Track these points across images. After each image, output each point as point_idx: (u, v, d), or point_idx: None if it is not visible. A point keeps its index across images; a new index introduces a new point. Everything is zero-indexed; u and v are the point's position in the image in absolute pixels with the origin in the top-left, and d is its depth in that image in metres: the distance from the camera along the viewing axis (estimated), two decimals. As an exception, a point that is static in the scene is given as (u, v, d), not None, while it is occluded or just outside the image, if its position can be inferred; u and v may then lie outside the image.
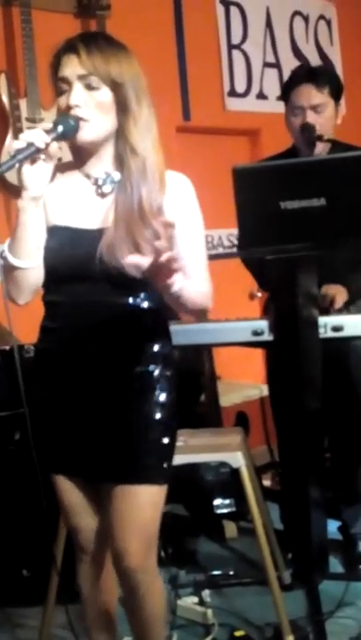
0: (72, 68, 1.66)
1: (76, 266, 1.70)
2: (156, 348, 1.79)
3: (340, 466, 2.93)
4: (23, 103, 3.30)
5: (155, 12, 3.98)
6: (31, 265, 1.69)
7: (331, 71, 2.77)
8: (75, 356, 1.76)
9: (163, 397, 1.79)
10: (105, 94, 1.68)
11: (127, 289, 1.73)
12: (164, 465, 1.80)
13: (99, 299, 1.72)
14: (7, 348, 2.81)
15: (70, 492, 1.85)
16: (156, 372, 1.79)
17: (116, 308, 1.74)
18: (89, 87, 1.67)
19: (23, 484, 2.70)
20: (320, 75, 2.77)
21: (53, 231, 1.73)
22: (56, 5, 3.56)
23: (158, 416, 1.78)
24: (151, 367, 1.78)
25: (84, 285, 1.71)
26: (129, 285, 1.71)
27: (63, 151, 1.75)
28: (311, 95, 2.67)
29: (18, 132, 3.28)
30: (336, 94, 2.74)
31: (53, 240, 1.72)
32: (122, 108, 1.69)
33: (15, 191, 3.45)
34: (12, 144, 3.29)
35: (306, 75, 2.76)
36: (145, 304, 1.76)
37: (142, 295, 1.75)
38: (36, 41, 3.23)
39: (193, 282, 1.73)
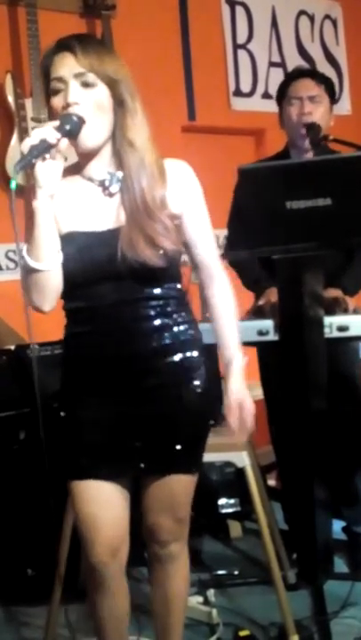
0: (68, 66, 1.66)
1: (99, 268, 1.71)
2: (190, 332, 1.82)
3: (339, 467, 2.92)
4: (29, 103, 3.31)
5: (160, 11, 3.98)
6: (51, 267, 1.68)
7: (326, 75, 2.86)
8: (110, 356, 1.77)
9: (201, 385, 1.83)
10: (102, 91, 1.68)
11: (152, 280, 1.75)
12: (200, 453, 1.87)
13: (125, 295, 1.73)
14: (12, 347, 2.82)
15: (91, 501, 1.80)
16: (194, 358, 1.82)
17: (143, 301, 1.76)
18: (85, 85, 1.67)
19: (28, 484, 2.71)
20: (317, 72, 2.89)
21: (68, 238, 1.72)
22: (61, 5, 3.56)
23: (198, 404, 1.82)
24: (188, 353, 1.81)
25: (109, 286, 1.72)
26: (154, 277, 1.74)
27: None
28: (309, 87, 2.74)
29: (23, 131, 3.29)
30: (331, 93, 2.80)
31: (70, 247, 1.71)
32: (119, 104, 1.70)
33: (19, 190, 3.47)
34: (19, 143, 3.30)
35: (304, 70, 2.89)
36: (169, 292, 1.79)
37: (166, 285, 1.78)
38: (41, 41, 3.23)
39: (220, 290, 1.87)
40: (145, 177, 1.72)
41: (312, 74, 2.82)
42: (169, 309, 1.79)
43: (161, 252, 1.69)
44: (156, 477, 1.84)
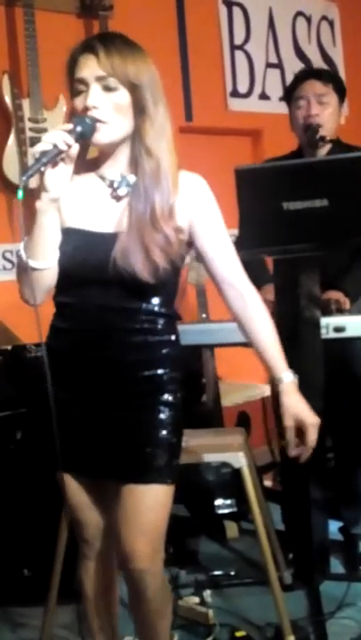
0: (90, 69, 1.65)
1: (90, 270, 1.71)
2: (165, 350, 1.80)
3: (343, 467, 2.93)
4: (26, 103, 3.31)
5: (157, 12, 3.98)
6: (47, 266, 1.69)
7: (334, 73, 2.82)
8: (84, 357, 1.77)
9: (171, 398, 1.80)
10: (123, 96, 1.67)
11: (139, 294, 1.73)
12: (172, 464, 1.81)
13: (110, 303, 1.73)
14: (9, 347, 2.81)
15: (78, 491, 1.86)
16: (165, 375, 1.79)
17: (127, 313, 1.74)
18: (107, 88, 1.66)
19: (24, 484, 2.71)
20: (324, 72, 2.84)
21: (68, 233, 1.72)
22: (59, 6, 3.56)
23: (166, 416, 1.79)
24: (160, 370, 1.79)
25: (96, 289, 1.72)
26: (141, 290, 1.72)
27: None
28: (316, 87, 2.70)
29: (20, 132, 3.28)
30: (340, 92, 2.76)
31: (68, 243, 1.71)
32: (139, 109, 1.69)
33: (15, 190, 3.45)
34: (16, 144, 3.29)
35: (311, 71, 2.83)
36: (156, 308, 1.77)
37: (154, 300, 1.76)
38: (38, 41, 3.23)
39: (256, 311, 1.82)
40: (158, 185, 1.70)
41: (319, 74, 2.77)
42: (153, 327, 1.77)
43: (153, 267, 1.67)
44: (127, 487, 1.78)
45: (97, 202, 1.75)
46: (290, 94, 2.77)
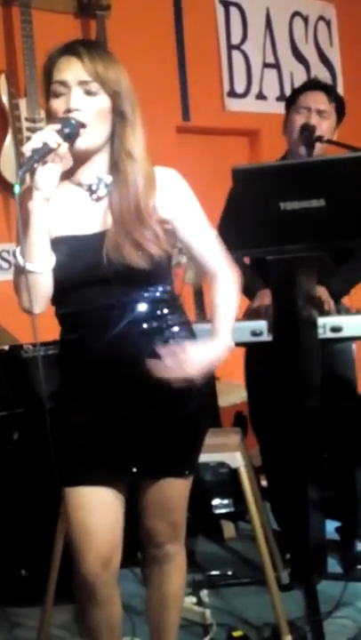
0: (73, 72, 1.66)
1: (86, 271, 1.71)
2: (182, 334, 1.80)
3: (338, 468, 2.93)
4: (23, 103, 3.31)
5: (155, 12, 3.98)
6: (44, 269, 1.69)
7: (340, 94, 2.86)
8: (101, 362, 1.76)
9: (194, 386, 1.76)
10: (103, 101, 1.69)
11: (140, 283, 1.74)
12: (195, 457, 1.88)
13: (112, 300, 1.73)
14: (6, 348, 2.81)
15: (84, 507, 1.78)
16: None
17: (132, 304, 1.75)
18: (88, 93, 1.67)
19: (21, 484, 2.70)
20: (332, 90, 2.87)
21: (56, 243, 1.73)
22: (56, 5, 3.56)
23: (192, 406, 1.81)
24: None
25: (96, 289, 1.72)
26: (140, 280, 1.73)
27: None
28: (320, 100, 2.73)
29: (17, 131, 3.28)
30: (339, 113, 2.80)
31: (59, 252, 1.72)
32: (119, 115, 1.71)
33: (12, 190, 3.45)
34: (13, 144, 3.29)
35: (320, 84, 2.86)
36: (157, 295, 1.78)
37: (153, 288, 1.77)
38: (35, 41, 3.23)
39: (223, 286, 1.82)
40: (141, 184, 1.72)
41: (327, 89, 2.80)
42: (159, 312, 1.78)
43: (146, 255, 1.69)
44: (150, 481, 1.84)
45: (78, 207, 1.77)
46: (293, 99, 2.77)
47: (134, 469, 1.81)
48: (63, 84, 1.67)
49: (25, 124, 3.30)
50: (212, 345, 1.78)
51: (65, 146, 1.63)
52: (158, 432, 1.79)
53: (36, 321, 1.66)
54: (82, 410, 1.79)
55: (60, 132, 1.62)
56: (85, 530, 1.79)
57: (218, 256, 1.85)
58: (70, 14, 3.64)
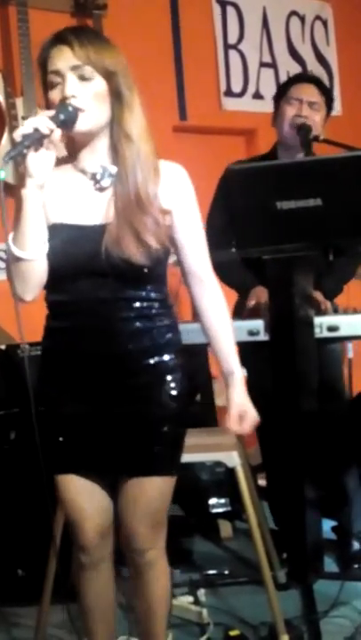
0: (65, 60, 1.65)
1: (82, 263, 1.70)
2: (168, 336, 1.80)
3: (326, 467, 2.92)
4: (19, 102, 3.31)
5: (151, 11, 3.98)
6: (37, 256, 1.67)
7: (329, 89, 2.87)
8: (84, 354, 1.76)
9: (177, 387, 1.80)
10: (99, 84, 1.67)
11: (135, 281, 1.73)
12: (176, 456, 1.84)
13: (106, 294, 1.72)
14: (3, 347, 2.81)
15: (77, 493, 1.83)
16: (171, 361, 1.79)
17: (124, 302, 1.74)
18: (82, 78, 1.66)
19: (18, 484, 2.70)
20: (322, 83, 2.87)
21: (54, 229, 1.71)
22: (52, 4, 3.56)
23: (173, 406, 1.79)
24: (165, 357, 1.79)
25: (91, 282, 1.71)
26: (136, 277, 1.72)
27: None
28: (312, 93, 2.74)
29: (14, 130, 3.28)
30: (328, 106, 2.81)
31: (55, 239, 1.70)
32: (116, 96, 1.69)
33: (10, 189, 3.46)
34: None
35: (310, 76, 2.87)
36: (152, 294, 1.77)
37: (149, 287, 1.76)
38: (32, 40, 3.23)
39: (213, 299, 1.85)
40: (140, 170, 1.70)
41: (317, 82, 2.81)
42: (150, 312, 1.77)
43: (146, 249, 1.68)
44: (131, 479, 1.81)
45: (81, 195, 1.75)
46: (284, 91, 2.78)
47: (116, 464, 1.80)
48: (57, 73, 1.67)
49: (22, 124, 3.29)
50: (238, 389, 1.87)
51: (58, 132, 1.61)
52: (139, 428, 1.78)
53: (7, 314, 1.65)
54: (66, 400, 1.79)
55: (54, 117, 1.60)
56: (80, 508, 1.83)
57: (206, 261, 1.85)
58: (67, 13, 3.64)
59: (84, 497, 1.83)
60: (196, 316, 1.90)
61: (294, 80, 2.82)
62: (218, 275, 2.74)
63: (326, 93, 2.80)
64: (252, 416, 1.87)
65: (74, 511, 1.85)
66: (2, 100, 3.29)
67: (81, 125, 1.67)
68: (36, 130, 1.57)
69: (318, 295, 2.62)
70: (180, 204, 1.79)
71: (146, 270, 1.70)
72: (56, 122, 1.60)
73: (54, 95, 1.68)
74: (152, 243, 1.68)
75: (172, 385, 1.79)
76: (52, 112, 1.62)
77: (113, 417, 1.77)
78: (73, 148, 1.76)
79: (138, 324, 1.75)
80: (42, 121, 1.58)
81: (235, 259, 2.72)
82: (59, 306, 1.78)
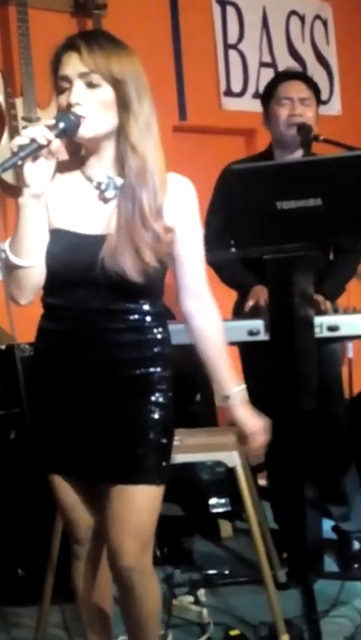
0: (73, 66, 1.65)
1: (78, 271, 1.69)
2: (156, 349, 1.79)
3: (326, 466, 2.92)
4: (19, 102, 3.30)
5: (151, 11, 3.98)
6: (32, 264, 1.68)
7: (314, 80, 2.87)
8: (74, 358, 1.76)
9: (161, 398, 1.79)
10: (106, 92, 1.66)
11: (128, 295, 1.72)
12: (163, 465, 1.79)
13: (99, 305, 1.71)
14: (3, 347, 2.81)
15: (67, 491, 1.84)
16: (156, 374, 1.78)
17: (116, 314, 1.73)
18: (90, 85, 1.65)
19: (18, 484, 2.70)
20: (309, 77, 2.88)
21: (55, 235, 1.72)
22: (52, 4, 3.56)
23: (157, 416, 1.77)
24: (151, 369, 1.78)
25: (85, 291, 1.70)
26: (130, 292, 1.71)
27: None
28: (301, 89, 2.74)
29: (14, 130, 3.28)
30: (318, 98, 2.80)
31: (55, 244, 1.71)
32: (123, 106, 1.67)
33: (10, 190, 3.46)
34: (12, 141, 3.29)
35: (295, 73, 2.89)
36: (145, 307, 1.76)
37: (142, 301, 1.75)
38: (32, 40, 3.23)
39: (211, 320, 1.84)
40: (145, 183, 1.68)
41: (303, 77, 2.82)
42: (142, 325, 1.76)
43: (142, 266, 1.66)
44: (116, 487, 1.77)
45: (84, 203, 1.74)
46: (272, 92, 2.77)
47: (100, 469, 1.78)
48: (65, 79, 1.66)
49: (21, 124, 3.29)
50: (240, 405, 1.88)
51: (57, 142, 1.60)
52: (125, 434, 1.77)
53: (16, 318, 1.65)
54: (51, 402, 1.78)
55: (53, 127, 1.60)
56: (71, 506, 1.85)
57: (204, 279, 1.84)
58: (67, 13, 3.64)
59: (74, 497, 1.84)
60: (189, 334, 1.87)
61: (280, 79, 2.80)
62: (218, 274, 2.75)
63: (314, 86, 2.80)
64: (263, 427, 1.89)
65: (66, 509, 1.87)
66: (1, 99, 3.29)
67: (84, 132, 1.66)
68: (33, 140, 1.57)
69: (318, 295, 2.62)
70: (185, 220, 1.77)
71: (140, 285, 1.68)
72: (55, 131, 1.60)
73: (62, 100, 1.67)
74: (149, 260, 1.67)
75: (157, 394, 1.78)
76: (51, 121, 1.61)
77: (98, 421, 1.77)
78: (80, 153, 1.76)
79: (128, 335, 1.74)
80: (39, 131, 1.58)
81: (234, 258, 2.73)
82: (53, 309, 1.78)
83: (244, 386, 1.88)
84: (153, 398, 1.78)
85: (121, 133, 1.69)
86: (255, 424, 1.88)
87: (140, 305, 1.75)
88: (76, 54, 1.65)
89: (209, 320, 1.85)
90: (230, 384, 1.87)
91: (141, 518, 1.77)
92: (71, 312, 1.74)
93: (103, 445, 1.77)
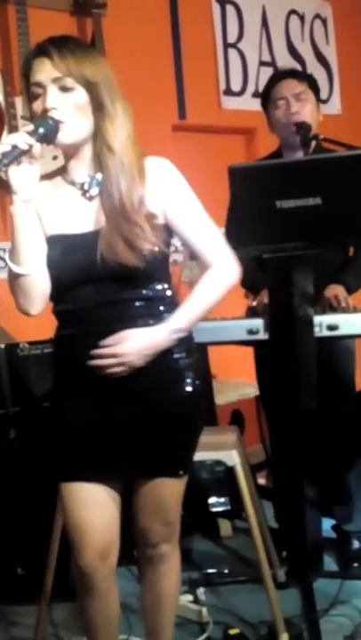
0: (45, 72, 1.67)
1: (80, 270, 1.71)
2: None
3: (332, 465, 2.93)
4: (18, 101, 3.30)
5: (151, 10, 3.98)
6: (33, 271, 1.70)
7: (307, 72, 2.86)
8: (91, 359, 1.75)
9: (189, 384, 1.79)
10: (80, 95, 1.69)
11: (133, 282, 1.74)
12: (189, 456, 1.86)
13: (108, 298, 1.72)
14: (2, 346, 2.81)
15: (79, 504, 1.79)
16: (181, 360, 1.79)
17: (127, 303, 1.74)
18: (64, 89, 1.67)
19: (18, 483, 2.70)
20: (298, 71, 2.89)
21: (52, 241, 1.74)
22: (52, 3, 3.56)
23: (186, 404, 1.80)
24: (176, 354, 1.78)
25: (91, 288, 1.72)
26: (134, 278, 1.72)
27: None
28: (292, 85, 2.73)
29: (13, 129, 3.28)
30: (315, 89, 2.79)
31: (53, 250, 1.73)
32: (97, 107, 1.71)
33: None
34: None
35: (285, 71, 2.85)
36: (151, 293, 1.77)
37: (150, 285, 1.76)
38: (31, 39, 3.23)
39: (210, 276, 1.78)
40: (123, 180, 1.71)
41: (293, 73, 2.81)
42: (156, 310, 1.77)
43: (140, 253, 1.68)
44: (144, 481, 1.83)
45: (72, 206, 1.77)
46: (267, 96, 2.78)
47: (130, 468, 1.81)
48: (38, 85, 1.68)
49: (21, 123, 3.29)
50: (156, 329, 1.73)
51: (38, 146, 1.64)
52: (152, 431, 1.78)
53: (8, 313, 1.65)
54: (76, 407, 1.79)
55: (33, 132, 1.62)
56: (81, 525, 1.80)
57: (217, 246, 1.81)
58: (66, 12, 3.64)
59: (87, 508, 1.80)
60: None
61: (273, 81, 2.79)
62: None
63: (307, 78, 2.78)
64: (130, 345, 1.71)
65: (75, 526, 1.80)
66: (1, 99, 3.29)
67: (63, 138, 1.69)
68: (15, 147, 1.60)
69: (340, 291, 2.61)
70: (172, 197, 1.78)
71: (142, 270, 1.70)
72: (35, 136, 1.63)
73: (36, 106, 1.70)
74: (144, 246, 1.69)
75: (187, 383, 1.79)
76: (30, 127, 1.64)
77: (124, 420, 1.77)
78: (63, 160, 1.79)
79: (143, 322, 1.74)
80: (20, 137, 1.61)
81: (250, 258, 2.72)
82: (64, 315, 1.79)
83: (180, 328, 1.75)
84: (180, 385, 1.78)
85: (98, 134, 1.73)
86: (128, 344, 1.71)
87: (147, 290, 1.76)
88: (47, 60, 1.67)
89: (212, 271, 1.79)
90: (178, 316, 1.76)
91: (167, 505, 1.88)
92: (81, 313, 1.75)
93: (131, 442, 1.78)
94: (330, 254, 2.71)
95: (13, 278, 1.71)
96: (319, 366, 2.50)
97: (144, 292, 1.76)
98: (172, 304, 1.80)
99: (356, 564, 2.89)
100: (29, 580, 2.64)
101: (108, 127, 1.71)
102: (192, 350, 1.83)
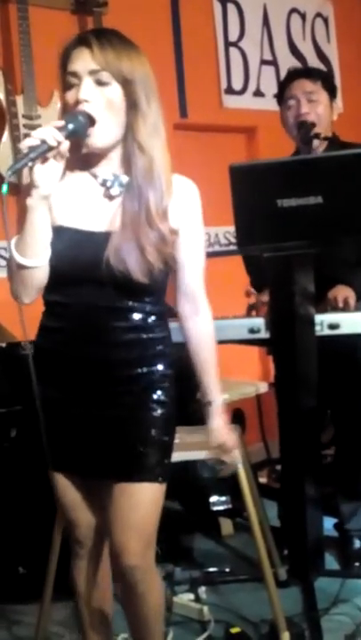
0: (83, 62, 1.64)
1: (82, 269, 1.69)
2: (158, 348, 1.79)
3: (344, 460, 2.92)
4: (20, 100, 3.30)
5: (152, 8, 3.98)
6: (38, 264, 1.67)
7: (323, 70, 2.80)
8: (75, 356, 1.75)
9: (164, 396, 1.79)
10: (115, 90, 1.65)
11: (132, 294, 1.72)
12: (165, 462, 1.80)
13: (103, 302, 1.71)
14: (3, 345, 2.81)
15: (69, 490, 1.85)
16: (158, 373, 1.79)
17: (118, 311, 1.73)
18: (99, 82, 1.64)
19: (19, 482, 2.71)
20: (312, 70, 2.84)
21: (59, 232, 1.70)
22: (53, 2, 3.56)
23: (159, 414, 1.78)
24: (153, 368, 1.78)
25: (89, 288, 1.70)
26: (133, 290, 1.71)
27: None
28: (305, 85, 2.70)
29: (14, 128, 3.28)
30: (330, 88, 2.75)
31: (59, 241, 1.69)
32: (131, 105, 1.67)
33: (14, 189, 3.45)
34: (10, 140, 3.29)
35: (299, 70, 2.83)
36: (148, 307, 1.76)
37: (146, 299, 1.75)
38: (32, 38, 3.23)
39: (204, 325, 1.87)
40: (151, 183, 1.68)
41: (306, 72, 2.78)
42: (145, 324, 1.76)
43: (146, 266, 1.66)
44: (119, 485, 1.77)
45: (89, 200, 1.73)
46: (281, 95, 2.77)
47: (105, 468, 1.78)
48: (74, 74, 1.65)
49: (22, 121, 3.29)
50: (218, 415, 1.92)
51: (66, 144, 1.58)
52: (126, 432, 1.77)
53: (31, 314, 1.65)
54: (55, 400, 1.78)
55: (62, 128, 1.58)
56: (72, 505, 1.86)
57: (202, 287, 1.85)
58: (67, 11, 3.64)
59: (75, 496, 1.85)
60: (182, 335, 1.89)
61: (286, 81, 2.77)
62: (247, 271, 2.73)
63: (320, 77, 2.74)
64: (231, 441, 1.93)
65: (67, 509, 1.88)
66: (2, 97, 3.29)
67: (96, 142, 1.66)
68: (44, 142, 1.55)
69: (349, 293, 2.60)
70: (188, 223, 1.77)
71: (144, 285, 1.68)
72: (65, 132, 1.58)
73: (70, 96, 1.67)
74: (154, 260, 1.67)
75: (159, 392, 1.79)
76: (60, 122, 1.59)
77: (99, 420, 1.77)
78: (87, 155, 1.73)
79: (131, 334, 1.75)
80: (50, 132, 1.55)
81: (257, 258, 2.71)
82: (55, 306, 1.77)
83: (226, 396, 1.89)
84: (155, 396, 1.78)
85: (129, 133, 1.69)
86: (226, 436, 1.92)
87: (143, 304, 1.75)
88: (87, 50, 1.64)
89: (201, 325, 1.87)
90: (215, 392, 1.90)
91: (144, 516, 1.76)
92: (74, 309, 1.73)
93: (105, 444, 1.77)
94: (337, 255, 2.69)
95: (15, 267, 1.67)
96: (336, 363, 2.49)
97: (140, 304, 1.74)
98: (160, 320, 1.80)
99: (357, 563, 2.89)
100: (31, 579, 2.64)
101: (140, 126, 1.68)
102: (170, 363, 1.83)
